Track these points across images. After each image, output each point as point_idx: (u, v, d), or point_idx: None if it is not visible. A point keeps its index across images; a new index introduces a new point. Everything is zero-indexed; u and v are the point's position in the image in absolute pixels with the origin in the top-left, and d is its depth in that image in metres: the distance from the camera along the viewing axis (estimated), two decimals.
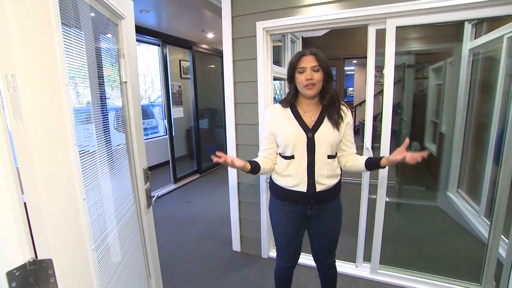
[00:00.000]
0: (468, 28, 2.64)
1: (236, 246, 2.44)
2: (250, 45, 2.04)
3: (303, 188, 1.27)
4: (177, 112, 4.36)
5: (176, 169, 4.18)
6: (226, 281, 2.04)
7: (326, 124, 1.27)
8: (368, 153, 1.85)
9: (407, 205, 3.14)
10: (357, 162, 1.32)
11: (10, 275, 0.58)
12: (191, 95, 4.55)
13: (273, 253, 2.34)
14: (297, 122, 1.27)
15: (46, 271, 0.64)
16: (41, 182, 0.62)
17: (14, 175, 0.57)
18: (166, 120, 4.08)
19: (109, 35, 1.12)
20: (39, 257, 0.63)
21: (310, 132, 1.25)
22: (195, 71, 4.45)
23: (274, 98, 2.30)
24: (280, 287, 1.56)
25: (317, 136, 1.25)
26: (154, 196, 1.42)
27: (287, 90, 1.52)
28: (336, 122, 1.27)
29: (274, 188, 1.39)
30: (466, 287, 1.82)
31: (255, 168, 1.29)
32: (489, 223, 1.83)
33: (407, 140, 1.15)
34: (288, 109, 1.31)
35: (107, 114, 1.08)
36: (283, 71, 2.70)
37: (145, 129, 5.43)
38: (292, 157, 1.28)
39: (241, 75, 2.13)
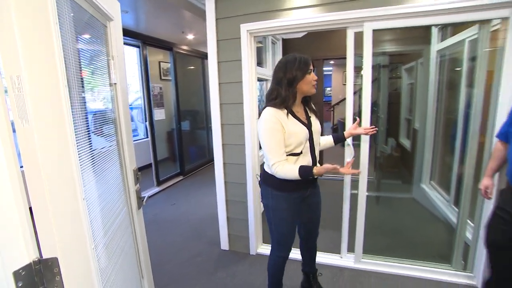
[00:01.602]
0: (435, 32, 2.85)
1: (224, 244, 2.47)
2: (234, 46, 2.08)
3: None
4: (159, 114, 4.30)
5: (159, 172, 4.12)
6: (215, 279, 2.07)
7: (314, 118, 1.50)
8: (349, 149, 1.96)
9: (385, 198, 3.32)
10: (326, 141, 1.68)
11: (16, 275, 0.58)
12: (173, 97, 4.50)
13: (261, 250, 2.39)
14: (299, 122, 1.41)
15: (51, 270, 0.64)
16: (46, 182, 0.63)
17: (19, 175, 0.58)
18: (148, 122, 4.01)
19: (98, 37, 1.11)
20: (44, 256, 0.64)
21: (309, 127, 1.44)
22: (176, 72, 4.40)
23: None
24: (277, 280, 1.65)
25: (313, 129, 1.47)
26: (145, 196, 1.42)
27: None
28: (316, 113, 1.53)
29: (282, 181, 1.41)
30: (439, 268, 1.99)
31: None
32: (457, 210, 2.00)
33: (358, 120, 1.70)
34: (285, 111, 1.37)
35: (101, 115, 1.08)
36: (265, 72, 2.77)
37: None
38: (300, 153, 1.41)
39: (226, 76, 2.16)
